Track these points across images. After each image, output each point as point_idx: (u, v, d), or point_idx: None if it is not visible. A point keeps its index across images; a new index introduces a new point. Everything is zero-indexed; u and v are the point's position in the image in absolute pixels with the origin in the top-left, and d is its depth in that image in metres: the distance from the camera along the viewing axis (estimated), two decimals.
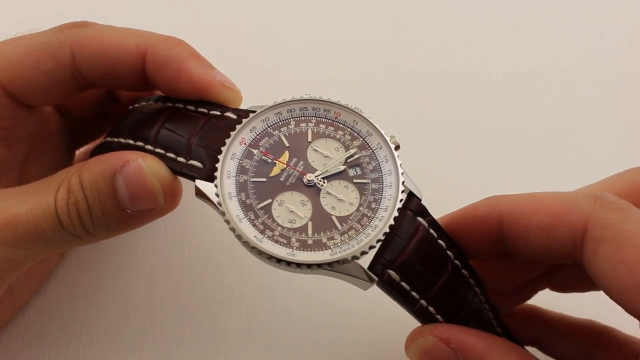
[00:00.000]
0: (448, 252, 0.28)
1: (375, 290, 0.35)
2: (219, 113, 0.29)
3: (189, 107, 0.29)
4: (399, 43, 0.50)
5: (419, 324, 0.28)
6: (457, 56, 0.49)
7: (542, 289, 0.32)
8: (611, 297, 0.23)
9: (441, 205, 0.29)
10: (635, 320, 0.23)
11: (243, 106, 0.30)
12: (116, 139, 0.30)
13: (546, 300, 0.33)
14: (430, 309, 0.27)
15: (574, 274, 0.30)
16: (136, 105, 0.31)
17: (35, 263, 0.32)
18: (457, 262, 0.28)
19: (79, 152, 0.36)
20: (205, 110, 0.29)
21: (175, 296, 0.34)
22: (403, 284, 0.26)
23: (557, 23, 0.52)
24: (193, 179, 0.27)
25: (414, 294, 0.26)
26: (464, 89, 0.47)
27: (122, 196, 0.26)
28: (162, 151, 0.28)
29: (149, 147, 0.28)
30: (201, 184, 0.26)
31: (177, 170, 0.27)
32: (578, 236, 0.24)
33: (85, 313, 0.33)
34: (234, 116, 0.28)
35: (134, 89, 0.32)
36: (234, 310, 0.34)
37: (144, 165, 0.26)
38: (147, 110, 0.30)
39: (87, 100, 0.34)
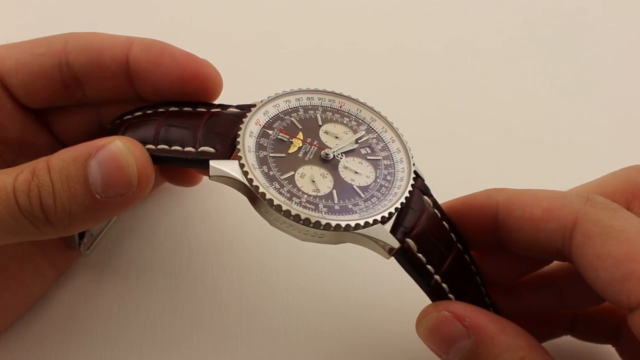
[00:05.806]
0: (451, 234, 0.28)
1: (377, 289, 0.35)
2: (219, 110, 0.29)
3: (185, 108, 0.29)
4: (395, 42, 0.50)
5: (419, 321, 0.27)
6: (457, 56, 0.50)
7: (565, 334, 0.33)
8: (598, 291, 0.24)
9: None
10: None
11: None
12: None
13: None
14: (444, 286, 0.27)
15: (596, 324, 0.32)
16: (117, 121, 0.31)
17: (27, 272, 0.31)
18: (459, 245, 0.29)
19: None
20: (205, 109, 0.29)
21: (175, 296, 0.34)
22: (420, 255, 0.26)
23: (556, 27, 0.53)
24: (205, 164, 0.26)
25: (429, 267, 0.27)
26: (465, 89, 0.47)
27: (94, 180, 0.25)
28: (165, 146, 0.27)
29: (149, 146, 0.27)
30: (217, 163, 0.26)
31: (187, 159, 0.27)
32: (567, 231, 0.25)
33: (85, 313, 0.33)
34: (237, 110, 0.29)
35: (112, 88, 0.31)
36: (234, 310, 0.34)
37: (122, 147, 0.26)
38: (139, 118, 0.30)
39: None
